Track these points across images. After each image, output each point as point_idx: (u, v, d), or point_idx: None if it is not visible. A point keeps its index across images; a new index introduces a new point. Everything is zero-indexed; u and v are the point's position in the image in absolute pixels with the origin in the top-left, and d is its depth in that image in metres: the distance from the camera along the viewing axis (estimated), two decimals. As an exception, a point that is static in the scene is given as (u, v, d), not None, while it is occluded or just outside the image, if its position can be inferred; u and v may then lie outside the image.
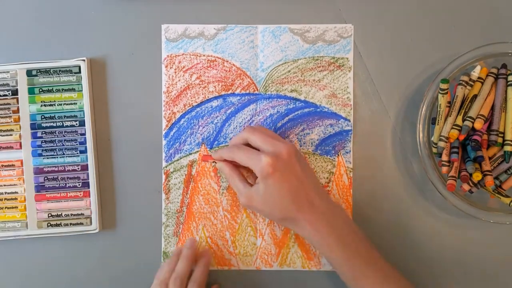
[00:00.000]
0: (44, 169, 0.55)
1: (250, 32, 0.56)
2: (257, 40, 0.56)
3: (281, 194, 0.48)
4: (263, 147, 0.49)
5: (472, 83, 0.52)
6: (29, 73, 0.54)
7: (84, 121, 0.55)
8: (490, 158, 0.52)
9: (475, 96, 0.51)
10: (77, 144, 0.55)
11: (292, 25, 0.56)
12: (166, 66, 0.56)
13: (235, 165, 0.52)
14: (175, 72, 0.56)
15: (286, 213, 0.48)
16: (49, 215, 0.54)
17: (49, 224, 0.54)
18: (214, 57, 0.56)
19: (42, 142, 0.55)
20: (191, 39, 0.56)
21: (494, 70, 0.52)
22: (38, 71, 0.54)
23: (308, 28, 0.56)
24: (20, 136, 0.55)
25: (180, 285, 0.49)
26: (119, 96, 0.56)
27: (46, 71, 0.54)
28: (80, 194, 0.55)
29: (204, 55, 0.56)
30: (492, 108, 0.51)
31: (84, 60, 0.55)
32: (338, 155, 0.56)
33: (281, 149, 0.48)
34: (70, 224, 0.54)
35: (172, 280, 0.50)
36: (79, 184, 0.55)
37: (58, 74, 0.55)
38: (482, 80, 0.52)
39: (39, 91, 0.54)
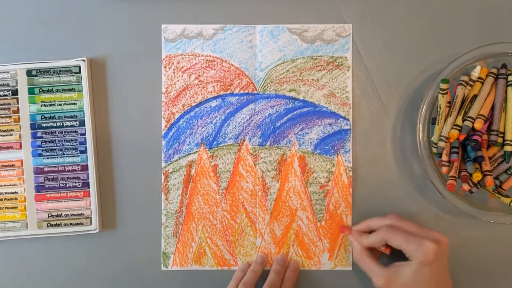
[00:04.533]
0: (44, 169, 0.55)
1: (248, 32, 0.56)
2: (256, 40, 0.56)
3: (429, 284, 0.47)
4: (419, 233, 0.48)
5: (472, 83, 0.52)
6: (29, 73, 0.54)
7: (84, 121, 0.55)
8: (490, 158, 0.51)
9: (475, 96, 0.51)
10: (77, 144, 0.55)
11: (290, 25, 0.56)
12: (164, 67, 0.56)
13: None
14: (174, 73, 0.56)
15: None
16: (49, 215, 0.55)
17: (49, 224, 0.54)
18: (212, 57, 0.56)
19: (42, 142, 0.55)
20: (189, 39, 0.56)
21: (494, 70, 0.52)
22: (38, 71, 0.55)
23: (307, 27, 0.56)
24: (20, 136, 0.55)
25: None
26: (119, 96, 0.56)
27: (46, 71, 0.55)
28: (80, 194, 0.55)
29: (202, 55, 0.56)
30: (492, 108, 0.51)
31: (84, 60, 0.55)
32: (338, 154, 0.55)
33: (441, 239, 0.48)
34: (70, 224, 0.54)
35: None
36: (79, 184, 0.55)
37: (58, 74, 0.55)
38: (482, 80, 0.51)
39: (39, 91, 0.55)
